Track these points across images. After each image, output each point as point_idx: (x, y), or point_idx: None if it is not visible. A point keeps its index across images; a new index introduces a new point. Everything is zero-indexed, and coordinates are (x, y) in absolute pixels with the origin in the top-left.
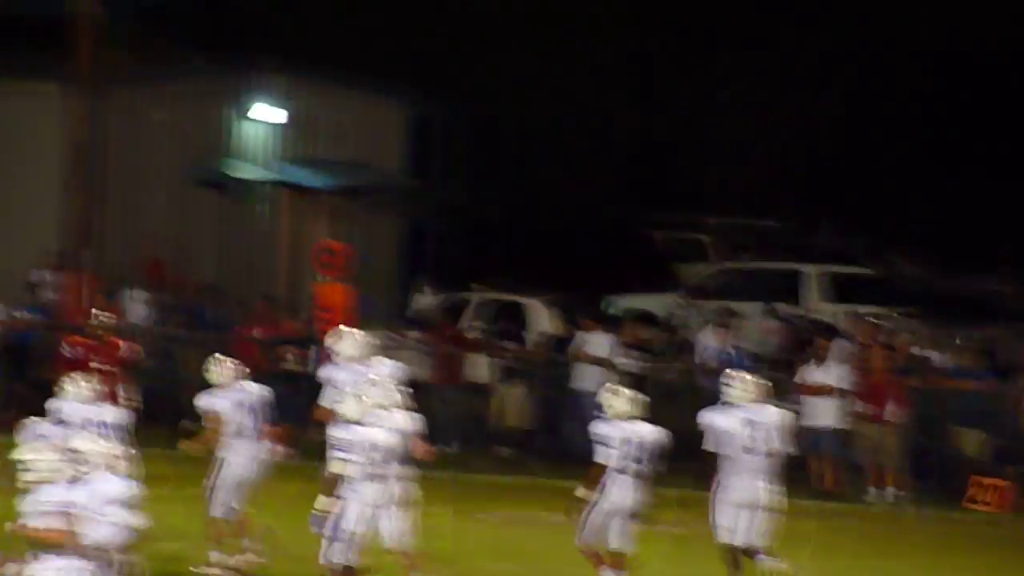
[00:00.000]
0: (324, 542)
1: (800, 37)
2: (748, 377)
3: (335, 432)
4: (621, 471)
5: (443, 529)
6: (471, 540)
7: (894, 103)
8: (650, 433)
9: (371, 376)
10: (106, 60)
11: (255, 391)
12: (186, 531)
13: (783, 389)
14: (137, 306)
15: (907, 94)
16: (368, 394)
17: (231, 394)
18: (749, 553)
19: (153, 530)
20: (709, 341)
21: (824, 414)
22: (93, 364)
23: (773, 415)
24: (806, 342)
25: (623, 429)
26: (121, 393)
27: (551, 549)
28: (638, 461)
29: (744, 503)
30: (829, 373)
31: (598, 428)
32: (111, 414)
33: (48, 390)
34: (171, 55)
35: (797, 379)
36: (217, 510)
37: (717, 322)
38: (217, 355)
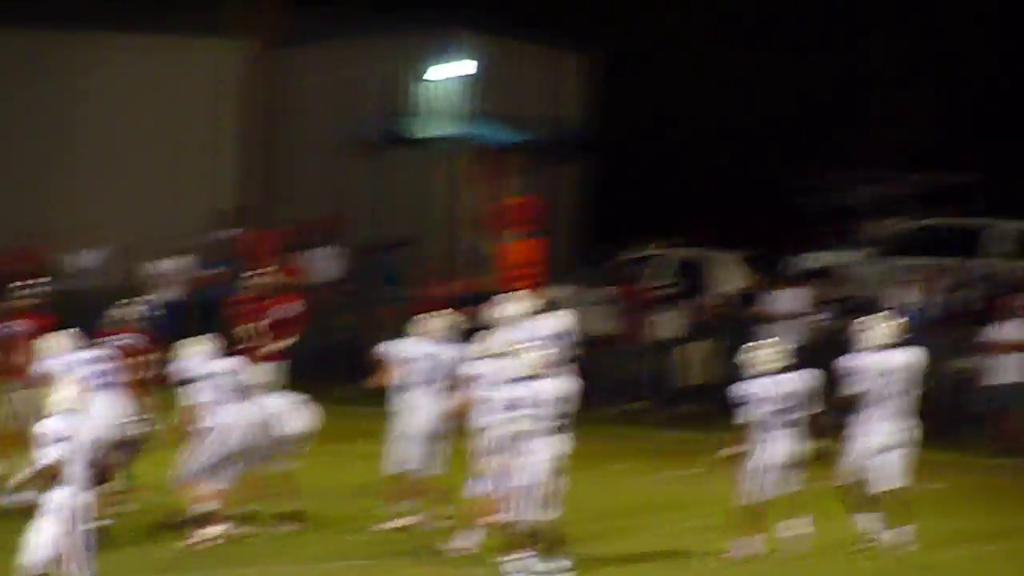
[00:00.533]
0: (508, 502)
1: None
2: (881, 322)
3: (510, 390)
4: (771, 426)
5: (629, 484)
6: (658, 495)
7: None
8: (799, 380)
9: (537, 333)
10: (289, 17)
11: (446, 351)
12: (365, 486)
13: (969, 345)
14: (325, 263)
15: None
16: (537, 351)
17: (424, 347)
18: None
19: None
20: (899, 297)
21: (1013, 371)
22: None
23: (905, 357)
24: (993, 299)
25: (765, 384)
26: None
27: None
28: (787, 412)
29: (882, 446)
30: (1018, 329)
31: (736, 389)
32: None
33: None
34: (356, 12)
35: (984, 336)
36: (391, 467)
37: (907, 279)
38: (415, 315)
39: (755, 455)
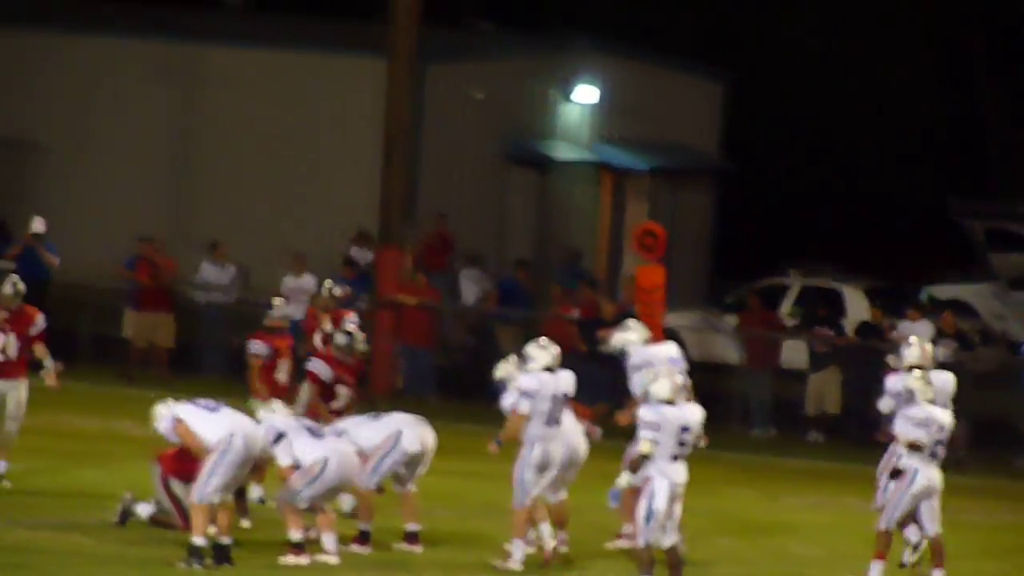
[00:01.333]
0: (637, 525)
1: None
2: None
3: (645, 412)
4: (930, 454)
5: (751, 510)
6: (779, 522)
7: None
8: (947, 417)
9: (667, 359)
10: (427, 35)
11: (563, 378)
12: (493, 507)
13: None
14: (468, 284)
15: None
16: (675, 377)
17: (539, 380)
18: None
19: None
20: None
21: None
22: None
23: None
24: None
25: (922, 412)
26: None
27: (855, 533)
28: (937, 444)
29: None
30: None
31: (895, 416)
32: None
33: None
34: (489, 32)
35: None
36: (516, 500)
37: None
38: (540, 338)
39: (905, 482)
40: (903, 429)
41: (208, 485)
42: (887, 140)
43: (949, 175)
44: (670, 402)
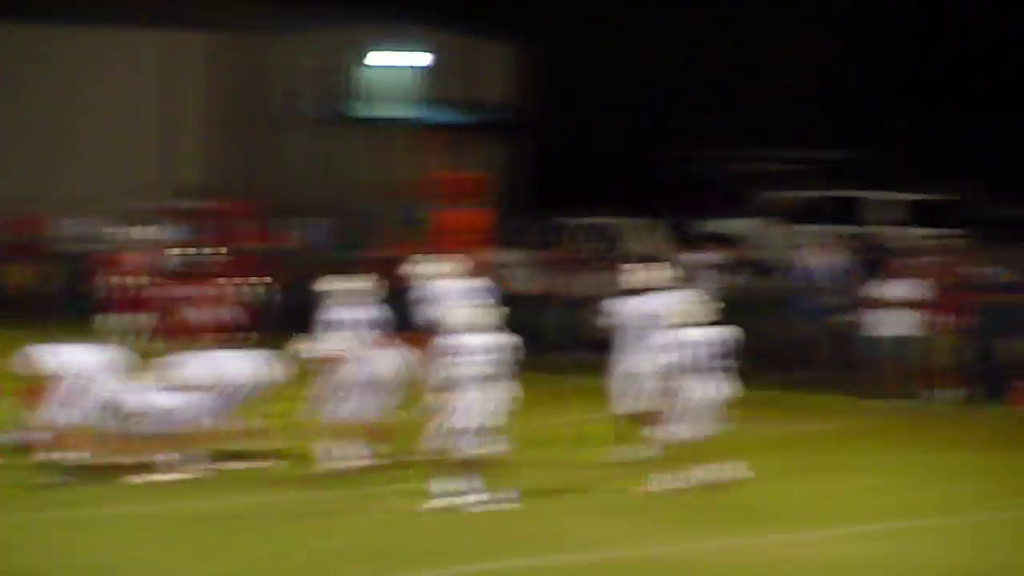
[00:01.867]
0: (443, 435)
1: None
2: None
3: (448, 341)
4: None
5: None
6: (557, 434)
7: (953, 46)
8: (717, 333)
9: (469, 291)
10: (253, 11)
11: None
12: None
13: (856, 302)
14: (314, 232)
15: (969, 36)
16: (472, 307)
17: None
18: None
19: None
20: (808, 260)
21: (889, 325)
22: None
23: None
24: (874, 261)
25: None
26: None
27: None
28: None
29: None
30: (895, 288)
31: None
32: None
33: None
34: (312, 6)
35: (868, 294)
36: (338, 412)
37: (817, 243)
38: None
39: (686, 395)
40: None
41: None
42: (667, 93)
43: (717, 124)
44: (467, 330)
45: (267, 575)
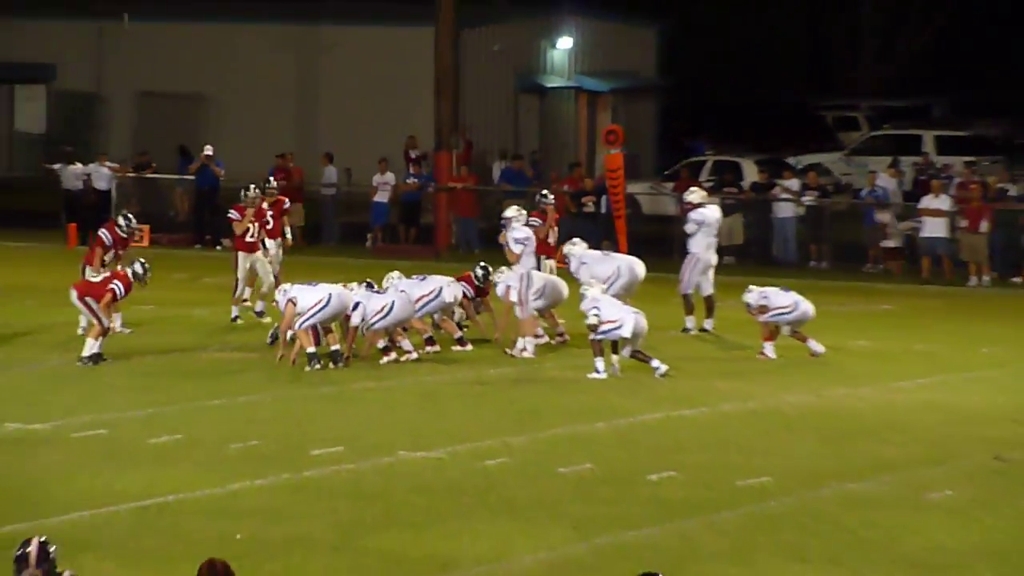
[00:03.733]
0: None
1: None
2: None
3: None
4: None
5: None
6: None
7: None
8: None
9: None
10: (463, 11)
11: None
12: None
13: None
14: (496, 169)
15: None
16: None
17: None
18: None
19: None
20: (881, 181)
21: (938, 228)
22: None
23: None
24: (926, 181)
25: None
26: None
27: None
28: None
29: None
30: (942, 201)
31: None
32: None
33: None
34: (507, 3)
35: (920, 205)
36: (521, 313)
37: (887, 169)
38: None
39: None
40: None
41: (302, 324)
42: (772, 60)
43: (809, 80)
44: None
45: (490, 424)
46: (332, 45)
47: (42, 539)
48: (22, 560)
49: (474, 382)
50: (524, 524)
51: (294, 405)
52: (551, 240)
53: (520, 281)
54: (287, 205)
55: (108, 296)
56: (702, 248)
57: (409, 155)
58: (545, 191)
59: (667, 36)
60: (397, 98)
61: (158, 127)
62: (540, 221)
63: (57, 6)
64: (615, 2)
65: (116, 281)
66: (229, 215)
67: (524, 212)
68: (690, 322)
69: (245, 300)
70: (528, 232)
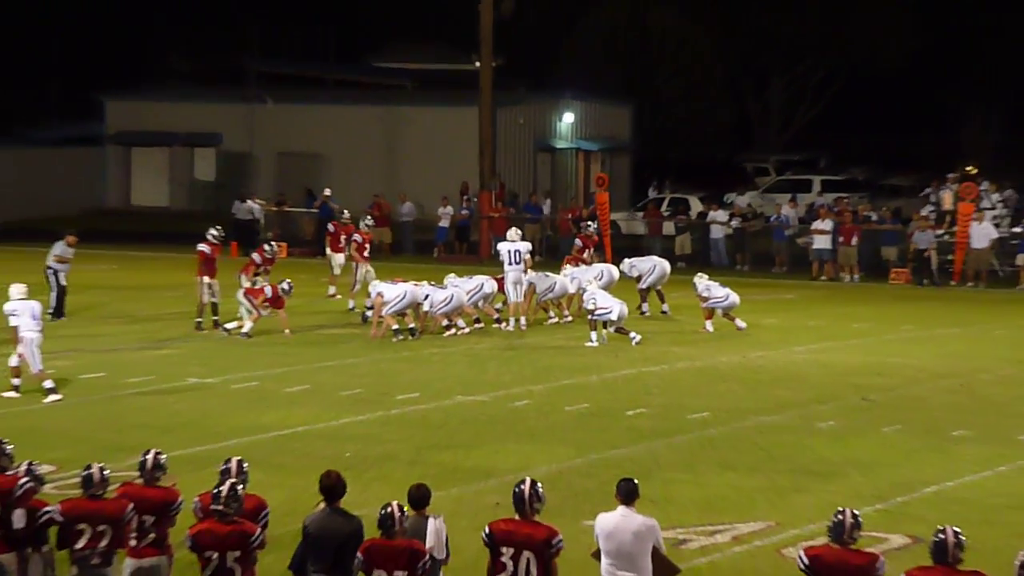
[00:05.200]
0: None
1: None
2: None
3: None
4: None
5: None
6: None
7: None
8: None
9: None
10: (496, 96)
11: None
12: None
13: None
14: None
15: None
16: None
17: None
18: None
19: None
20: (785, 211)
21: (823, 242)
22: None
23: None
24: (816, 211)
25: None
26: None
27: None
28: None
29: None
30: (827, 224)
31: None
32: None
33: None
34: (524, 90)
35: (812, 227)
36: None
37: (789, 202)
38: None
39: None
40: None
41: (388, 310)
42: (710, 129)
43: (735, 143)
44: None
45: (517, 377)
46: (409, 120)
47: (239, 459)
48: (226, 473)
49: (506, 348)
50: (540, 445)
51: (383, 365)
52: (587, 256)
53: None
54: (355, 233)
55: (261, 297)
56: (656, 262)
57: (462, 194)
58: (590, 222)
59: (637, 112)
60: (453, 155)
61: (291, 176)
62: (582, 243)
63: (223, 93)
64: (602, 89)
65: (269, 287)
66: (327, 228)
67: (521, 232)
68: (645, 307)
69: (333, 294)
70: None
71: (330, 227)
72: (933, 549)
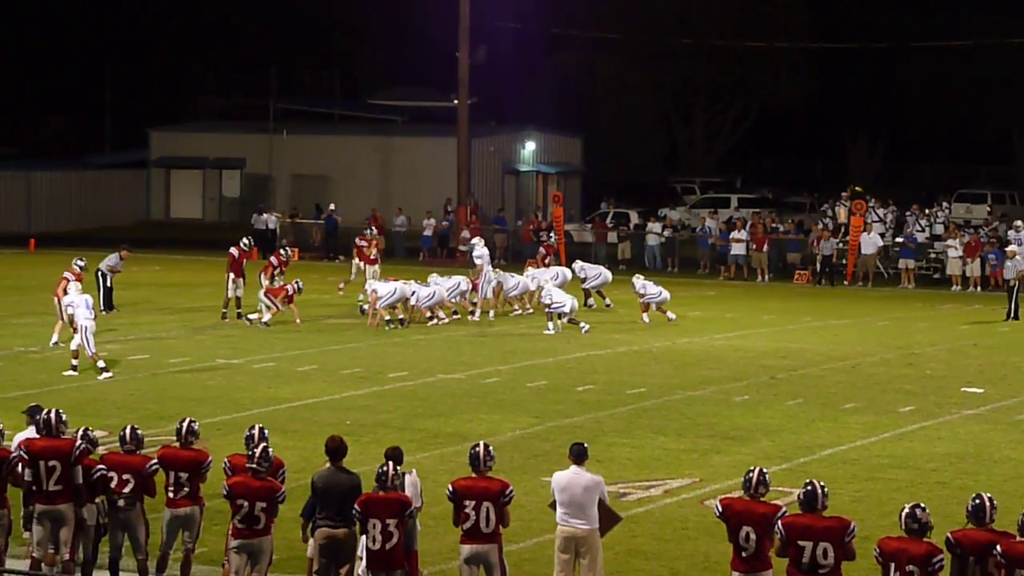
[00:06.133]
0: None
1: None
2: None
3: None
4: None
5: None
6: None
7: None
8: None
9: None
10: (473, 128)
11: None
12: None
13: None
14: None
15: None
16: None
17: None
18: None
19: None
20: (708, 223)
21: (740, 248)
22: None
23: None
24: (734, 223)
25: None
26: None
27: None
28: None
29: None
30: (743, 234)
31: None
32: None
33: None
34: (494, 123)
35: (730, 236)
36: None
37: (712, 216)
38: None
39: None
40: None
41: (382, 304)
42: (645, 154)
43: (666, 166)
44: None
45: (488, 359)
46: (401, 149)
47: (260, 426)
48: (250, 439)
49: (478, 335)
50: (506, 415)
51: (378, 348)
52: (547, 261)
53: (483, 277)
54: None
55: (282, 294)
56: (603, 271)
57: (445, 209)
58: (551, 233)
59: (587, 141)
60: (436, 177)
61: (303, 194)
62: (544, 251)
63: (247, 126)
64: (558, 123)
65: (290, 286)
66: (356, 241)
67: (482, 240)
68: (591, 301)
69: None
70: (485, 251)
71: (359, 240)
72: (803, 499)
